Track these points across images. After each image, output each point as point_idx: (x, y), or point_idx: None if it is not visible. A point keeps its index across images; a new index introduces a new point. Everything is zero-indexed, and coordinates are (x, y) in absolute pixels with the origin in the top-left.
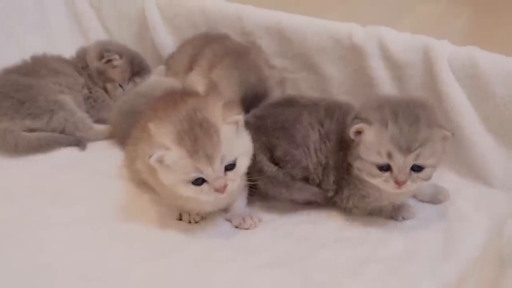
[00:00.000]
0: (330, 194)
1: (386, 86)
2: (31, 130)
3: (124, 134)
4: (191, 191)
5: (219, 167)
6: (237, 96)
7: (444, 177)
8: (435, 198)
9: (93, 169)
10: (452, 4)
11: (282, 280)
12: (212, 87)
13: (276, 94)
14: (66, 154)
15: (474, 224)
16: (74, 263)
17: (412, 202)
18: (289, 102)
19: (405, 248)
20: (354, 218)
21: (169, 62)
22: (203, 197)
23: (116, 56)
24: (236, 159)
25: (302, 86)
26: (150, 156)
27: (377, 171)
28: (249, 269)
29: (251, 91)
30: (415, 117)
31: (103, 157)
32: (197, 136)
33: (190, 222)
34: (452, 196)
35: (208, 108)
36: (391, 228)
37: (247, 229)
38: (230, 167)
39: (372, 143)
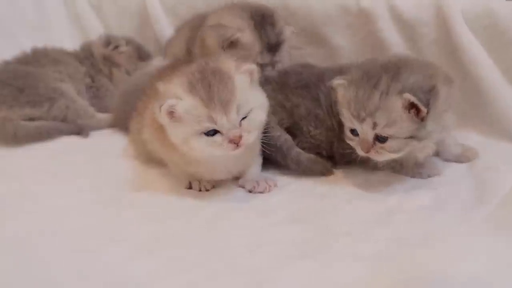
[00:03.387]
0: (349, 150)
1: (399, 48)
2: (31, 119)
3: (128, 115)
4: (203, 143)
5: (235, 117)
6: None
7: (468, 138)
8: (462, 157)
9: (97, 151)
10: None
11: (303, 234)
12: None
13: None
14: (68, 141)
15: (504, 175)
16: (81, 226)
17: (438, 160)
18: (309, 65)
19: (434, 200)
20: (375, 177)
21: (167, 47)
22: (217, 150)
23: (123, 42)
24: (251, 109)
25: (311, 61)
26: (161, 106)
27: (349, 134)
28: (266, 226)
29: None
30: (373, 83)
31: (107, 142)
32: (210, 84)
33: (200, 190)
34: (479, 154)
35: (219, 60)
36: (417, 183)
37: (261, 192)
38: (244, 117)
39: (341, 102)
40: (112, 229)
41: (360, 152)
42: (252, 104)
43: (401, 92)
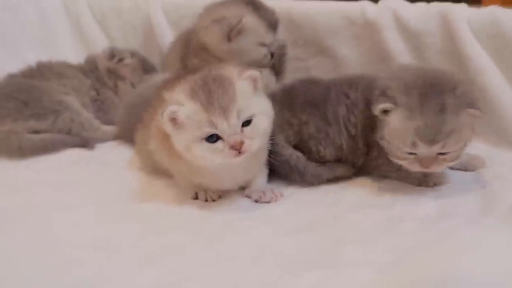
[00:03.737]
0: (361, 160)
1: (405, 58)
2: (36, 131)
3: (133, 128)
4: (204, 149)
5: (235, 122)
6: None
7: (474, 147)
8: (469, 165)
9: (102, 163)
10: None
11: (309, 243)
12: None
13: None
14: (73, 153)
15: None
16: (86, 237)
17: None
18: (314, 81)
19: (441, 209)
20: (382, 185)
21: (166, 62)
22: (218, 157)
23: (127, 55)
24: (253, 115)
25: (316, 73)
26: (163, 112)
27: (401, 154)
28: (273, 235)
29: None
30: (441, 105)
31: (112, 154)
32: (211, 90)
33: (206, 200)
34: (486, 162)
35: (222, 68)
36: (424, 192)
37: (267, 202)
38: (247, 124)
39: (397, 129)
40: (117, 240)
41: (416, 169)
42: (254, 110)
43: (464, 108)
